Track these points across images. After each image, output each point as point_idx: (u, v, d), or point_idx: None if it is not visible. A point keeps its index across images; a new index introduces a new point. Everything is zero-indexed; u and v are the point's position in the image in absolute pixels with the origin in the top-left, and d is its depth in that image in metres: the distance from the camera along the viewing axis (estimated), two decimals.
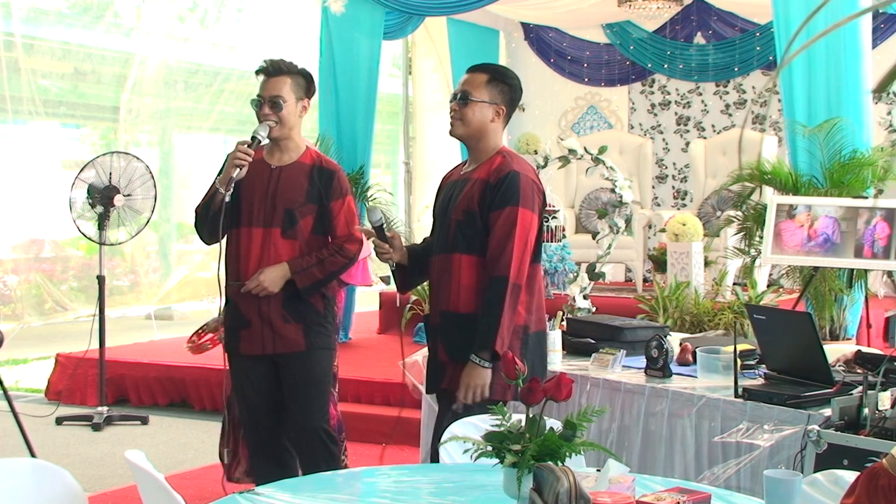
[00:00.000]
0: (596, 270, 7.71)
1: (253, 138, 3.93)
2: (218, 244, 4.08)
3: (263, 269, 3.96)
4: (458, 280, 3.54)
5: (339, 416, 4.53)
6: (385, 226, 3.72)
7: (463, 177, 3.65)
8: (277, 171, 4.03)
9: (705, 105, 10.97)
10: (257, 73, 4.04)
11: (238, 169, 3.89)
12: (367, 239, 3.89)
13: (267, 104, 3.98)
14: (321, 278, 4.02)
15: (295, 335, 4.02)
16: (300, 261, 3.99)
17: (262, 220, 3.99)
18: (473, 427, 3.07)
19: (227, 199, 3.89)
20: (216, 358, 4.43)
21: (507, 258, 3.44)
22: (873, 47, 6.83)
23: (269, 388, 4.09)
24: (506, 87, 3.63)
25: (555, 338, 4.35)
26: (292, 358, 4.02)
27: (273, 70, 4.00)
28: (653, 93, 11.24)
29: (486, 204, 3.50)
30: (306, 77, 4.08)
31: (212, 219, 3.95)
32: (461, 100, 3.60)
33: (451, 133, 3.66)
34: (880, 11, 7.25)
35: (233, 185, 3.89)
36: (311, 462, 4.05)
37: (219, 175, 4.06)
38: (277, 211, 3.99)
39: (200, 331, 4.97)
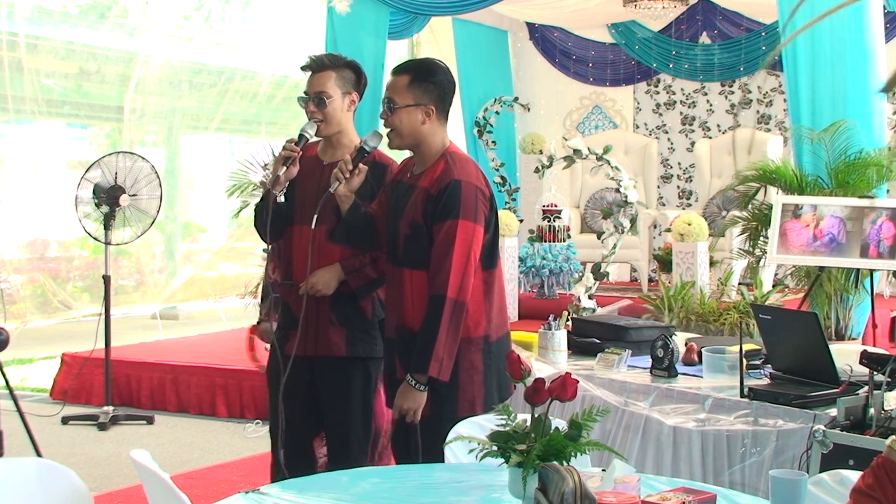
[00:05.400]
0: (601, 270, 7.71)
1: (300, 136, 3.80)
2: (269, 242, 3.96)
3: (315, 272, 3.80)
4: (410, 296, 3.41)
5: (378, 427, 4.05)
6: (364, 157, 3.48)
7: (410, 181, 3.47)
8: (329, 168, 3.80)
9: (710, 105, 10.97)
10: (303, 69, 3.90)
11: (284, 167, 3.76)
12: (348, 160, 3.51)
13: (312, 101, 3.85)
14: (375, 277, 3.83)
15: (337, 339, 3.85)
16: (353, 261, 3.83)
17: (312, 217, 3.72)
18: (478, 427, 3.06)
19: (281, 198, 3.78)
20: (221, 358, 4.40)
21: (444, 275, 3.29)
22: None
23: (306, 389, 3.90)
24: (431, 85, 3.40)
25: (560, 337, 4.35)
26: (330, 363, 3.86)
27: (316, 66, 3.87)
28: (658, 92, 11.23)
29: (429, 216, 3.36)
30: (354, 69, 3.92)
31: (264, 218, 3.80)
32: (387, 108, 3.41)
33: (390, 146, 3.50)
34: (886, 10, 7.23)
35: (286, 183, 3.78)
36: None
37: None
38: (327, 208, 3.71)
39: (252, 342, 4.80)
